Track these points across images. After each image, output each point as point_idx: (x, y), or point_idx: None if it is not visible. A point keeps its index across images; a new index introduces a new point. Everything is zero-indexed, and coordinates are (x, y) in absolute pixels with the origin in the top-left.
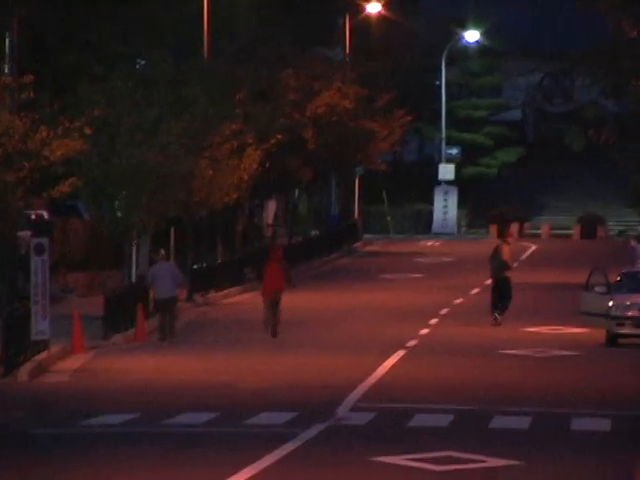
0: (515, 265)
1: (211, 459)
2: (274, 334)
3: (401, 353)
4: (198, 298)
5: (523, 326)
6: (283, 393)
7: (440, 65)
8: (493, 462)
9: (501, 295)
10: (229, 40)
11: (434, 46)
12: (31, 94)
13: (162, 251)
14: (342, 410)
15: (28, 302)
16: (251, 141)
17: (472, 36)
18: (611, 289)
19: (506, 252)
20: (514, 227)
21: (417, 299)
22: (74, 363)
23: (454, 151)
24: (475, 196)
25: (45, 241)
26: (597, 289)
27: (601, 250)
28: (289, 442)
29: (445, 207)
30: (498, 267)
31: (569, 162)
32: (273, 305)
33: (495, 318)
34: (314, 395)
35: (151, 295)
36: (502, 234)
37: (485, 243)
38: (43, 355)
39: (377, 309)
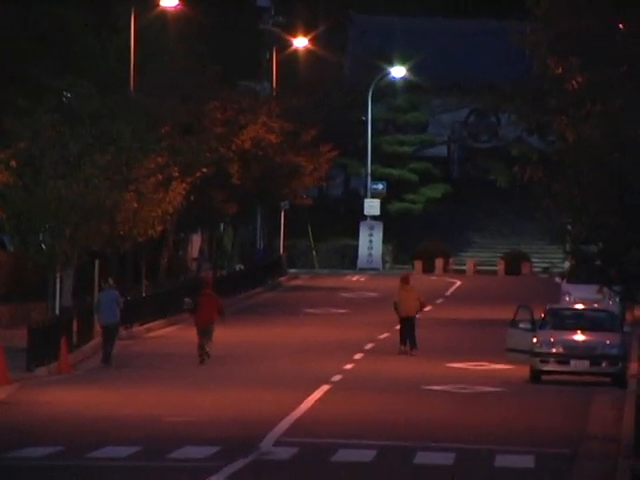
0: (440, 301)
1: None
2: (201, 361)
3: (325, 388)
4: (122, 331)
5: (448, 362)
6: (207, 427)
7: (366, 100)
8: None
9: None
10: (156, 73)
11: (360, 81)
12: None
13: (110, 280)
14: (266, 444)
15: None
16: (177, 174)
17: (398, 72)
18: (535, 326)
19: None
20: (439, 262)
21: (342, 334)
22: None
23: (379, 186)
24: (400, 231)
25: None
26: (522, 325)
27: (526, 286)
28: (213, 476)
29: (370, 242)
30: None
31: (494, 199)
32: (205, 335)
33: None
34: (238, 429)
35: (96, 319)
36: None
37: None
38: None
39: (302, 344)
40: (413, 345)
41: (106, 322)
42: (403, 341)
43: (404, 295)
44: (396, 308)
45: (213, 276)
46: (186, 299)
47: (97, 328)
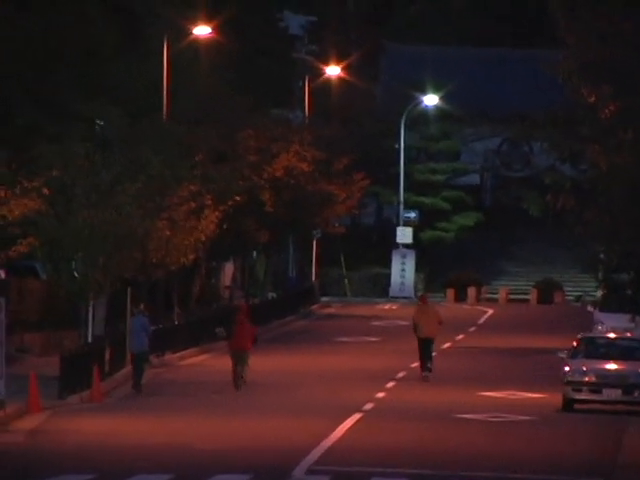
0: (472, 329)
1: None
2: (237, 387)
3: (357, 416)
4: (154, 359)
5: (480, 390)
6: (239, 455)
7: (399, 129)
8: None
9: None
10: (188, 101)
11: (393, 110)
12: None
13: (141, 305)
14: (298, 473)
15: None
16: (209, 202)
17: (431, 100)
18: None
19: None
20: (471, 291)
21: (374, 362)
22: (30, 423)
23: (412, 215)
24: (433, 260)
25: (1, 301)
26: (559, 354)
27: (558, 315)
28: None
29: (403, 270)
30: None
31: (527, 227)
32: (240, 361)
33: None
34: (270, 457)
35: (128, 344)
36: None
37: (442, 307)
38: None
39: (333, 372)
40: (429, 367)
41: (135, 350)
42: (423, 366)
43: (422, 316)
44: (415, 329)
45: (247, 304)
46: (218, 329)
47: (128, 356)
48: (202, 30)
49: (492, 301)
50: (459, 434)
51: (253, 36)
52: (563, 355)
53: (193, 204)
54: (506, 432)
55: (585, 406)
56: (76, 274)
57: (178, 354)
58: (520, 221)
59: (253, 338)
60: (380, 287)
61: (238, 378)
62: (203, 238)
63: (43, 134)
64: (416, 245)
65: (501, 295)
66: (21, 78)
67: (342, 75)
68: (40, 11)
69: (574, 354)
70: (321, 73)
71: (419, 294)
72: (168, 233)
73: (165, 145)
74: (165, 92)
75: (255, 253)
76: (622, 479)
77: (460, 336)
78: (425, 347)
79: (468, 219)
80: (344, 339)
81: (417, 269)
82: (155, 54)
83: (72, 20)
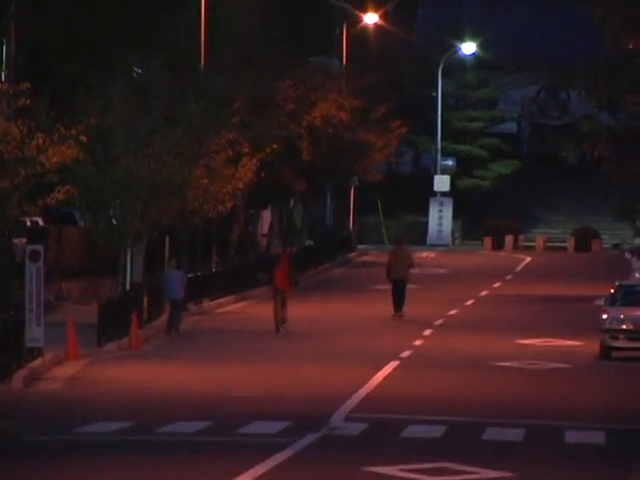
0: (509, 277)
1: (204, 468)
2: (277, 329)
3: (395, 364)
4: (192, 307)
5: (517, 338)
6: (277, 402)
7: (436, 77)
8: (486, 474)
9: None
10: (226, 48)
11: (430, 58)
12: (27, 101)
13: (173, 262)
14: (335, 420)
15: (22, 309)
16: (247, 150)
17: (468, 48)
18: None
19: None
20: (509, 239)
21: (411, 310)
22: (68, 371)
23: (449, 162)
24: (470, 208)
25: (40, 248)
26: (597, 302)
27: (596, 263)
28: (282, 451)
29: (440, 218)
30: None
31: (564, 175)
32: (281, 302)
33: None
34: (308, 405)
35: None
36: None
37: (479, 255)
38: (37, 362)
39: (371, 320)
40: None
41: (173, 297)
42: (396, 307)
43: (395, 259)
44: (388, 272)
45: (290, 251)
46: (260, 274)
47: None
48: None
49: (529, 249)
50: (496, 382)
51: None
52: (600, 303)
53: (231, 152)
54: (543, 380)
55: (622, 353)
56: (114, 222)
57: (216, 302)
58: (557, 169)
59: (293, 281)
60: (418, 235)
61: (279, 321)
62: (241, 186)
63: (83, 83)
64: (453, 193)
65: (538, 243)
66: (61, 28)
67: (379, 23)
68: None
69: (612, 302)
70: (359, 21)
71: (456, 241)
72: (206, 181)
73: (203, 94)
74: (203, 41)
75: (292, 201)
76: None
77: (497, 284)
78: (397, 289)
79: (505, 167)
80: (381, 287)
81: (454, 217)
82: (194, 3)
83: None
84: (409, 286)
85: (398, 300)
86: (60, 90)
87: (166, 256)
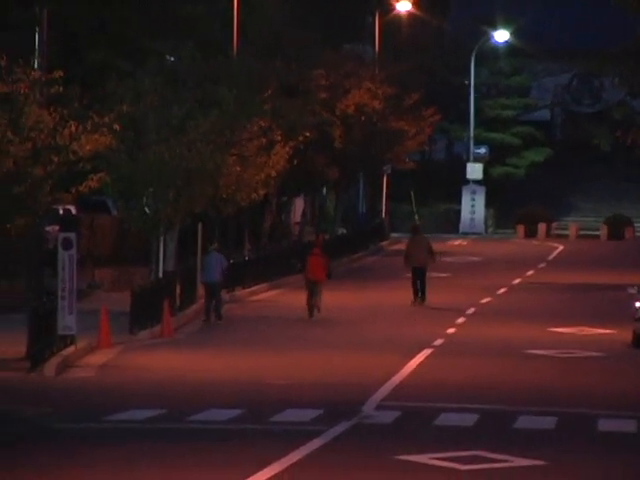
0: (542, 265)
1: (236, 455)
2: (310, 315)
3: (428, 352)
4: (225, 295)
5: (550, 326)
6: (309, 390)
7: (469, 65)
8: (518, 462)
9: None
10: (259, 35)
11: (463, 45)
12: (60, 89)
13: (215, 243)
14: (368, 408)
15: (55, 297)
16: (279, 138)
17: (501, 36)
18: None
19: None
20: (541, 227)
21: (444, 298)
22: (100, 358)
23: (482, 150)
24: (503, 196)
25: (73, 236)
26: (630, 290)
27: (629, 251)
28: (315, 439)
29: (473, 207)
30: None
31: (597, 163)
32: (314, 292)
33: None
34: (340, 393)
35: (198, 279)
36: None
37: (512, 243)
38: (69, 350)
39: (403, 308)
40: (423, 297)
41: (210, 280)
42: (415, 294)
43: (414, 246)
44: (406, 260)
45: (323, 238)
46: (293, 260)
47: (200, 290)
48: None
49: (562, 237)
50: (528, 370)
51: None
52: (633, 291)
53: (264, 139)
54: (576, 368)
55: None
56: (147, 209)
57: (248, 290)
58: (590, 157)
59: (327, 270)
60: (450, 223)
61: (312, 308)
62: (273, 174)
63: (115, 70)
64: (486, 181)
65: (571, 231)
66: (93, 14)
67: (412, 10)
68: None
69: None
70: (392, 8)
71: (489, 229)
72: (238, 169)
73: (236, 80)
74: (235, 27)
75: (325, 189)
76: None
77: (530, 272)
78: (418, 277)
79: (538, 155)
80: None
81: (487, 205)
82: None
83: None
84: (441, 275)
85: (420, 287)
86: (90, 76)
87: (199, 243)
